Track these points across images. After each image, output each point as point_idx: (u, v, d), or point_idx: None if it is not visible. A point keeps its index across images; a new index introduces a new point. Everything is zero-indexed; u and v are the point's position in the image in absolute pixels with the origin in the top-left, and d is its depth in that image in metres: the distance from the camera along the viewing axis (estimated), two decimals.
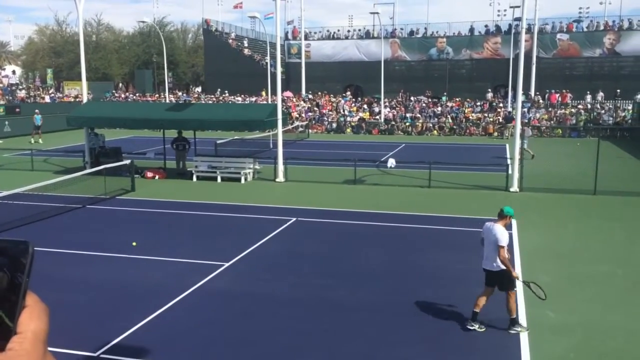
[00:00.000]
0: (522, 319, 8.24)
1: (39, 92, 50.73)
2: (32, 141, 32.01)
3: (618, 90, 41.07)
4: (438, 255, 11.41)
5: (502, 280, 7.94)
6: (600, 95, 40.55)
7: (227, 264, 10.74)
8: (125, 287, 9.68)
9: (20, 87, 52.31)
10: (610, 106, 38.50)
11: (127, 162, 19.02)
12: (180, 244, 12.25)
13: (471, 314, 8.06)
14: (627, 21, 46.94)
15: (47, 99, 47.34)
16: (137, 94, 53.71)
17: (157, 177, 20.63)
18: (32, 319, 0.80)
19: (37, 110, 33.67)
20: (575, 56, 46.93)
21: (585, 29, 47.50)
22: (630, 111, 36.49)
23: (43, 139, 32.52)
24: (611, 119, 36.30)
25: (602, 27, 46.94)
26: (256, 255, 11.41)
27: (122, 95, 53.68)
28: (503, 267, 7.84)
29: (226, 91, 49.40)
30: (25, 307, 0.80)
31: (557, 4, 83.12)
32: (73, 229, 13.58)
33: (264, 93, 46.62)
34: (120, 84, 67.59)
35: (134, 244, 11.83)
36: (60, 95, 52.06)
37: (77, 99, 44.21)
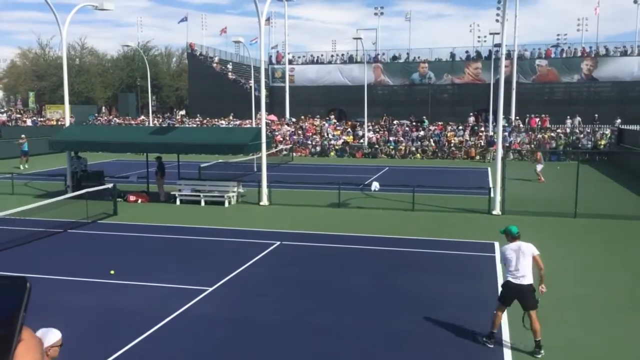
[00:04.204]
0: (506, 341, 8.26)
1: (20, 116, 50.34)
2: (21, 167, 31.36)
3: (596, 115, 41.92)
4: (422, 279, 11.42)
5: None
6: (577, 120, 41.32)
7: (210, 289, 10.64)
8: (106, 313, 9.52)
9: (2, 110, 51.89)
10: (589, 130, 39.26)
11: (110, 185, 18.86)
12: (162, 268, 12.12)
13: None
14: (603, 48, 48.22)
15: (29, 122, 46.99)
16: (121, 118, 53.53)
17: (139, 200, 20.47)
18: (27, 352, 0.82)
19: (22, 136, 33.39)
20: (554, 81, 47.99)
21: (563, 55, 48.67)
22: (609, 135, 37.19)
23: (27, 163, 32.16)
24: (590, 143, 36.96)
25: (579, 54, 48.14)
26: (240, 280, 11.33)
27: (105, 119, 53.46)
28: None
29: (206, 115, 49.43)
30: (21, 341, 0.82)
31: (536, 31, 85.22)
32: (53, 254, 13.37)
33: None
34: (104, 108, 67.37)
35: (112, 272, 11.55)
36: (43, 118, 51.72)
37: (60, 122, 43.94)
